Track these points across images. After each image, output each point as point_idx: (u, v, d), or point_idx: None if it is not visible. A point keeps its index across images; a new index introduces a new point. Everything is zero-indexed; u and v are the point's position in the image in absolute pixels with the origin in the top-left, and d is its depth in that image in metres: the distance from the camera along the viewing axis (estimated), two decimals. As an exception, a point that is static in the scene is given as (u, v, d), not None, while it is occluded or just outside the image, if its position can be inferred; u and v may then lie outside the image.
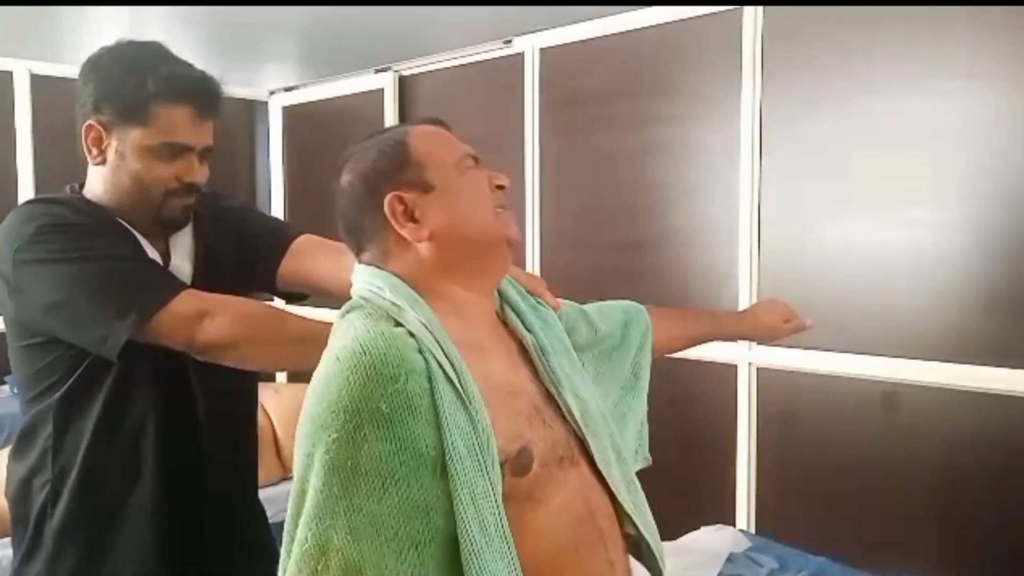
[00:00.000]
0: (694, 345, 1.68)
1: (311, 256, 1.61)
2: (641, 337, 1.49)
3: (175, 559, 1.48)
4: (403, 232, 1.10)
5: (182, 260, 1.53)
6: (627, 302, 1.54)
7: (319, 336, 1.31)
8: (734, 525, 2.72)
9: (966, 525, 2.36)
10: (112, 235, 1.43)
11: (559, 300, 1.36)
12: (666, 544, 2.34)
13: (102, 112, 1.43)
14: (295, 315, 1.44)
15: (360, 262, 1.17)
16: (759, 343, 1.77)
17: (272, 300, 1.80)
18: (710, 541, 2.46)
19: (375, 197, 1.11)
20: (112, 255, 1.39)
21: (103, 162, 1.46)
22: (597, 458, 1.16)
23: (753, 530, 2.73)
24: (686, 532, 2.54)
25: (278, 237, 1.65)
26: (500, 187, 1.17)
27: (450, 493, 0.97)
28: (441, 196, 1.12)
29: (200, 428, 1.51)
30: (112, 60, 1.45)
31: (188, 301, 1.36)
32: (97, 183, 1.49)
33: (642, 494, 1.23)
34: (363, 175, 1.14)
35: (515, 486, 1.03)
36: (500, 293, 1.24)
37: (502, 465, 1.02)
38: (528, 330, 1.21)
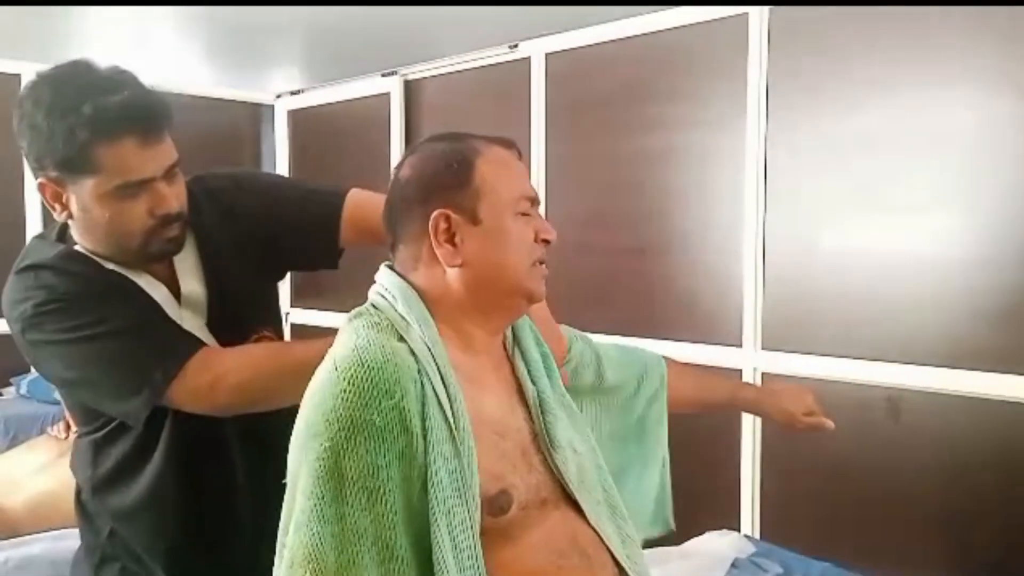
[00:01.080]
0: (705, 412, 1.66)
1: (365, 216, 1.48)
2: (653, 392, 1.47)
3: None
4: (438, 251, 1.10)
5: (192, 282, 1.46)
6: (649, 352, 1.52)
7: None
8: (739, 530, 2.71)
9: (969, 531, 2.35)
10: (110, 297, 1.37)
11: (564, 346, 1.35)
12: (670, 549, 2.36)
13: (46, 169, 1.30)
14: (302, 344, 1.38)
15: (392, 253, 1.16)
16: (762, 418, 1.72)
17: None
18: (714, 546, 2.46)
19: (425, 205, 1.10)
20: (114, 329, 1.33)
21: (71, 216, 1.35)
22: (588, 513, 1.14)
23: (758, 535, 2.73)
24: (691, 537, 2.53)
25: (325, 201, 1.53)
26: (546, 241, 1.16)
27: (428, 516, 0.98)
28: (486, 233, 1.11)
29: (237, 492, 1.50)
30: (34, 107, 1.28)
31: (197, 371, 1.32)
32: (77, 233, 1.40)
33: (639, 549, 1.21)
34: (421, 178, 1.13)
35: (490, 524, 1.03)
36: (516, 335, 1.23)
37: (481, 502, 1.02)
38: (534, 383, 1.19)
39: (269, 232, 1.51)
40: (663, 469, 1.49)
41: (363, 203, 1.51)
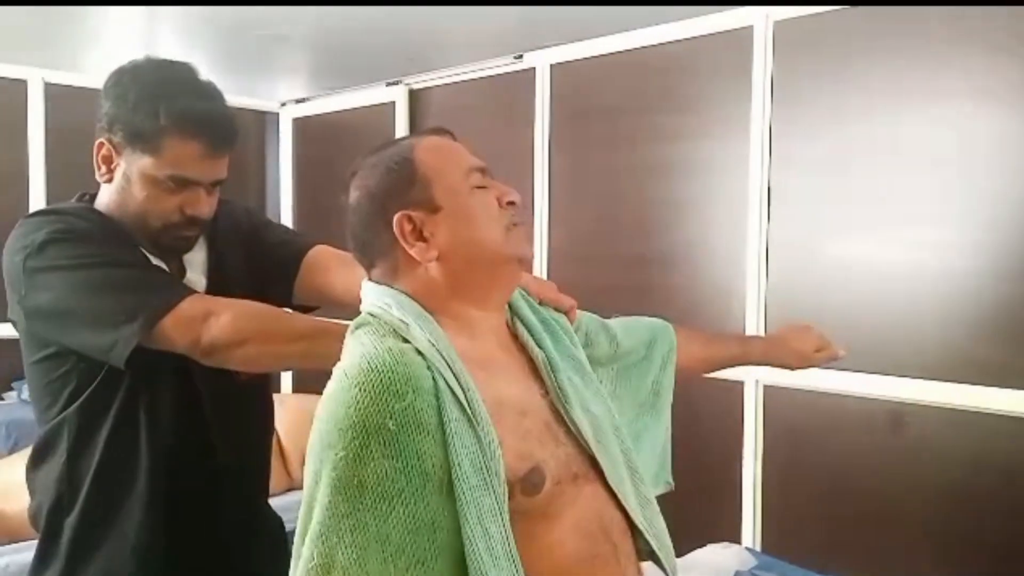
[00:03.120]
0: (720, 368, 1.65)
1: (325, 269, 1.58)
2: (665, 356, 1.46)
3: (190, 563, 1.48)
4: (412, 252, 1.10)
5: (196, 274, 1.53)
6: (654, 319, 1.52)
7: (325, 331, 1.32)
8: (740, 543, 2.70)
9: (972, 546, 2.34)
10: (122, 244, 1.42)
11: (576, 310, 1.34)
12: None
13: (114, 132, 1.41)
14: (300, 314, 1.44)
15: (370, 278, 1.16)
16: (791, 371, 1.73)
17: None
18: (716, 559, 2.45)
19: (383, 215, 1.11)
20: (120, 261, 1.39)
21: (110, 180, 1.44)
22: (608, 474, 1.14)
23: (759, 548, 2.72)
24: (692, 550, 2.52)
25: (292, 250, 1.62)
26: (511, 203, 1.15)
27: (456, 511, 0.97)
28: (448, 217, 1.11)
29: (214, 451, 1.50)
30: (131, 81, 1.40)
31: (194, 303, 1.34)
32: (105, 198, 1.48)
33: (657, 511, 1.22)
34: (371, 193, 1.13)
35: (527, 504, 1.03)
36: (511, 306, 1.22)
37: (512, 485, 1.01)
38: (539, 345, 1.19)
39: (253, 253, 1.62)
40: (667, 431, 1.48)
41: (329, 254, 1.61)
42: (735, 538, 2.75)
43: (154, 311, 1.32)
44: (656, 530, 1.19)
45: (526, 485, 1.03)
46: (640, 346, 1.44)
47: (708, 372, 1.65)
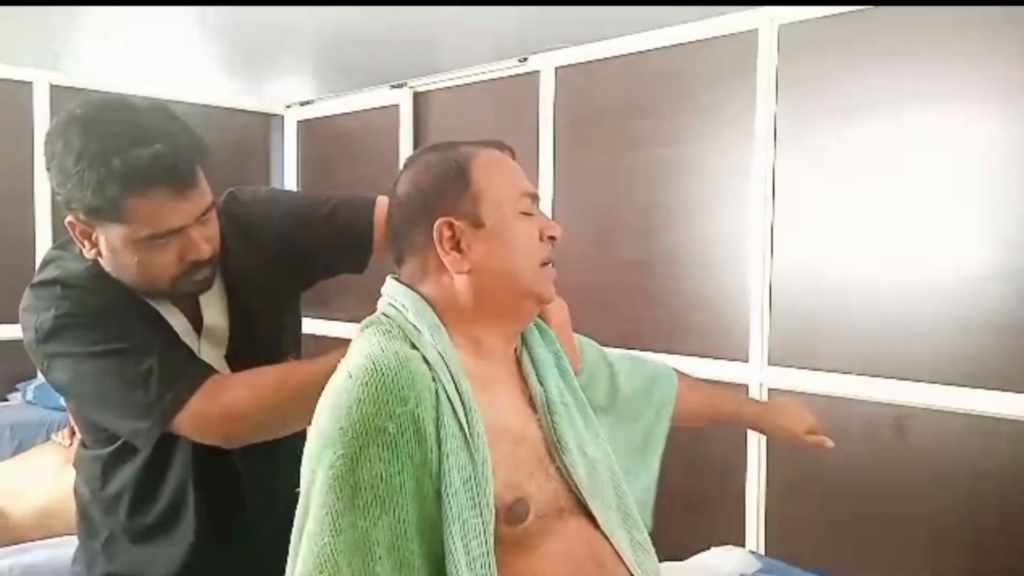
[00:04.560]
0: (711, 424, 1.65)
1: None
2: (661, 403, 1.45)
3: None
4: (445, 260, 1.10)
5: (215, 314, 1.45)
6: (659, 365, 1.50)
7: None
8: (744, 546, 2.70)
9: (977, 550, 2.34)
10: (132, 320, 1.36)
11: (578, 357, 1.32)
12: (676, 565, 2.34)
13: (75, 211, 1.28)
14: (303, 366, 1.35)
15: (398, 271, 1.16)
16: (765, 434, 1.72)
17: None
18: (720, 562, 2.44)
19: (427, 216, 1.11)
20: (132, 347, 1.32)
21: (99, 254, 1.33)
22: (600, 520, 1.13)
23: (763, 552, 2.72)
24: (696, 553, 2.52)
25: (353, 211, 1.54)
26: (552, 238, 1.15)
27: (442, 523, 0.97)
28: (490, 236, 1.10)
29: (243, 500, 1.49)
30: (64, 151, 1.24)
31: (207, 400, 1.30)
32: (107, 265, 1.37)
33: (652, 556, 1.20)
34: (421, 190, 1.13)
35: (508, 533, 1.02)
36: (522, 337, 1.22)
37: (497, 511, 1.01)
38: (541, 382, 1.18)
39: (299, 250, 1.52)
40: (654, 476, 1.46)
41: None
42: (739, 541, 2.75)
43: (167, 407, 1.29)
44: (647, 574, 1.16)
45: (510, 515, 1.03)
46: (638, 392, 1.42)
47: (700, 425, 1.62)
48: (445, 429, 0.99)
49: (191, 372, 1.33)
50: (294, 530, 1.01)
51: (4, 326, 3.35)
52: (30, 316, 1.35)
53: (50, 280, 1.38)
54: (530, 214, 1.14)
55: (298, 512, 1.01)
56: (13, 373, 3.75)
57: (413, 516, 0.97)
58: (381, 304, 1.15)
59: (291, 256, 1.52)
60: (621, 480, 1.22)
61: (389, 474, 0.96)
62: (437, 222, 1.09)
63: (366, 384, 0.98)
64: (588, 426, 1.21)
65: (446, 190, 1.11)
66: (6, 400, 3.82)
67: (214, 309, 1.45)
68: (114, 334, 1.32)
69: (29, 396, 3.66)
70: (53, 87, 3.84)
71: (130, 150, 1.22)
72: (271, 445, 1.37)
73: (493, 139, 1.21)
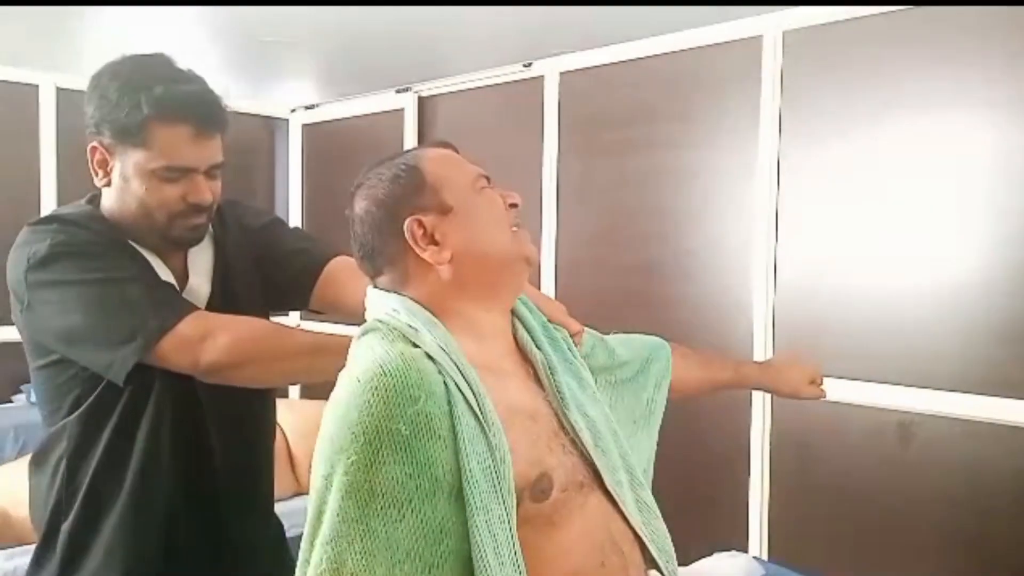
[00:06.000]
0: (713, 392, 1.65)
1: (343, 283, 1.56)
2: (660, 374, 1.46)
3: (187, 568, 1.49)
4: (424, 255, 1.10)
5: (200, 279, 1.51)
6: (653, 337, 1.52)
7: (325, 347, 1.32)
8: (747, 551, 2.70)
9: (980, 556, 2.33)
10: (123, 256, 1.42)
11: (583, 334, 1.34)
12: (679, 570, 2.34)
13: (103, 134, 1.40)
14: (301, 329, 1.43)
15: (376, 287, 1.17)
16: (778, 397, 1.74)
17: (285, 316, 1.79)
18: (723, 567, 2.44)
19: (394, 222, 1.11)
20: (120, 277, 1.38)
21: (109, 183, 1.43)
22: (607, 479, 1.14)
23: (766, 557, 2.71)
24: (699, 558, 2.51)
25: (311, 260, 1.61)
26: (513, 205, 1.18)
27: (465, 517, 0.97)
28: (460, 217, 1.12)
29: (213, 455, 1.50)
30: (110, 79, 1.40)
31: (193, 324, 1.34)
32: (108, 202, 1.47)
33: (657, 515, 1.22)
34: (379, 201, 1.14)
35: (534, 511, 1.03)
36: (514, 312, 1.23)
37: (521, 491, 1.02)
38: (538, 348, 1.20)
39: (268, 261, 1.60)
40: (652, 450, 1.46)
41: (346, 264, 1.56)
42: (742, 547, 2.74)
43: (152, 333, 1.32)
44: (656, 535, 1.18)
45: (535, 491, 1.04)
46: (636, 360, 1.44)
47: (701, 395, 1.64)
48: (459, 420, 0.99)
49: (177, 304, 1.39)
50: (304, 538, 1.01)
51: (6, 328, 3.36)
52: (23, 250, 1.39)
53: (47, 218, 1.47)
54: (487, 188, 1.17)
55: (308, 518, 1.01)
56: (16, 375, 3.75)
57: (431, 517, 0.97)
58: (370, 314, 1.15)
59: (262, 274, 1.60)
60: (623, 440, 1.24)
61: (405, 476, 0.96)
62: (406, 223, 1.10)
63: (375, 388, 0.98)
64: (583, 388, 1.22)
65: (405, 192, 1.13)
66: (10, 402, 3.82)
67: (200, 272, 1.52)
68: (106, 265, 1.38)
69: (33, 398, 3.65)
70: (59, 89, 3.85)
71: (171, 83, 1.38)
72: (237, 410, 1.45)
73: (438, 140, 1.26)
